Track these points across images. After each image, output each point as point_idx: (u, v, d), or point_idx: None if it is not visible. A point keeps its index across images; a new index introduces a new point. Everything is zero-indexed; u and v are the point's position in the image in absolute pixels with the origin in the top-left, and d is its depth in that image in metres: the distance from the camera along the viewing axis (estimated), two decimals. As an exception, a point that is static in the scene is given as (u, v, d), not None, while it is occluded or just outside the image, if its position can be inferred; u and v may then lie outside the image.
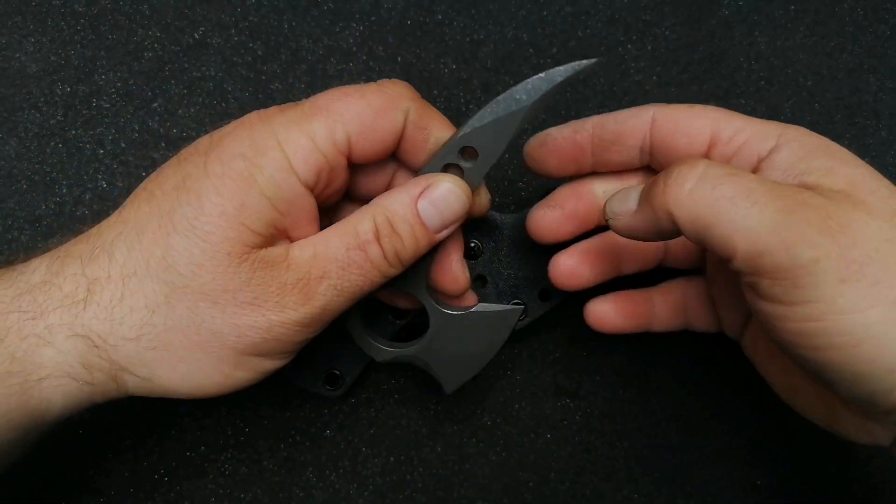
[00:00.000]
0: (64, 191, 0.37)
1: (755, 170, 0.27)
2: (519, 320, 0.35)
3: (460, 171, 0.28)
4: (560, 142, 0.30)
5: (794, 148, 0.26)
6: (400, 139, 0.28)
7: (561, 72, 0.27)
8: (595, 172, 0.31)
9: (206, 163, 0.25)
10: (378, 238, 0.26)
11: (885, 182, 0.24)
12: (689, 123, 0.28)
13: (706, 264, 0.32)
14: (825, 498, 0.36)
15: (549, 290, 0.35)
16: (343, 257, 0.26)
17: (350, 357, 0.35)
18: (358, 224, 0.27)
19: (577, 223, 0.31)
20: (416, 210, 0.27)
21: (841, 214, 0.22)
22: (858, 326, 0.21)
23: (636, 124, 0.29)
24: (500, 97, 0.28)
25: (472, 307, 0.31)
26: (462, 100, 0.39)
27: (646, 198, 0.25)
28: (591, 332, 0.37)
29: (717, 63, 0.39)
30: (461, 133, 0.28)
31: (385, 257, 0.27)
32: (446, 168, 0.28)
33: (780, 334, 0.23)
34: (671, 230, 0.24)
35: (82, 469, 0.35)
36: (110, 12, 0.39)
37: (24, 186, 0.37)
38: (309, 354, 0.34)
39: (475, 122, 0.28)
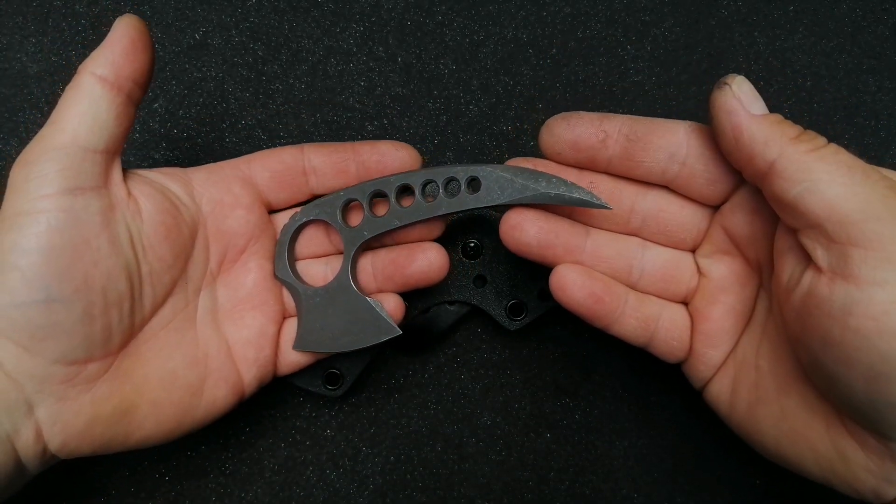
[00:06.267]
0: (64, 191, 0.37)
1: None
2: (518, 320, 0.35)
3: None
4: (586, 121, 0.29)
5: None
6: None
7: (579, 197, 0.29)
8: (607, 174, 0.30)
9: None
10: None
11: None
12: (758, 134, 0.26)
13: (698, 292, 0.30)
14: (825, 498, 0.36)
15: (548, 290, 0.35)
16: None
17: (350, 357, 0.35)
18: None
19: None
20: None
21: None
22: None
23: (671, 129, 0.28)
24: (524, 170, 0.29)
25: (368, 297, 0.31)
26: (462, 100, 0.39)
27: (773, 125, 0.25)
28: (591, 331, 0.37)
29: (717, 64, 0.39)
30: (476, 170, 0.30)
31: None
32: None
33: (856, 322, 0.22)
34: (756, 166, 0.25)
35: (82, 469, 0.35)
36: (111, 13, 0.39)
37: (25, 186, 0.37)
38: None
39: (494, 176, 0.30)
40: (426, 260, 0.32)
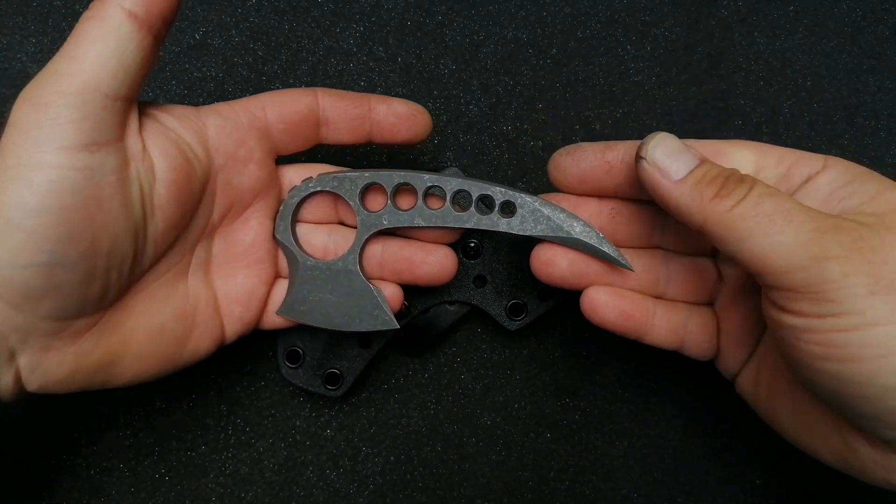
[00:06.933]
0: (64, 191, 0.37)
1: (800, 189, 0.27)
2: (518, 320, 0.35)
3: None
4: (589, 154, 0.30)
5: (840, 171, 0.26)
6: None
7: (606, 251, 0.30)
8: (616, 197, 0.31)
9: None
10: None
11: None
12: (733, 150, 0.28)
13: (719, 295, 0.31)
14: (825, 498, 0.36)
15: (549, 290, 0.35)
16: None
17: (350, 357, 0.35)
18: None
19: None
20: None
21: (874, 237, 0.23)
22: (888, 338, 0.21)
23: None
24: (550, 214, 0.30)
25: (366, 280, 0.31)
26: (462, 100, 0.39)
27: (692, 190, 0.25)
28: (591, 331, 0.38)
29: (716, 64, 0.39)
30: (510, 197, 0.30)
31: None
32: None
33: (806, 347, 0.23)
34: (697, 229, 0.25)
35: (82, 469, 0.35)
36: (111, 13, 0.39)
37: (25, 186, 0.37)
38: (309, 354, 0.35)
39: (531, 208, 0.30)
40: (439, 264, 0.32)
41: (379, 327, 0.31)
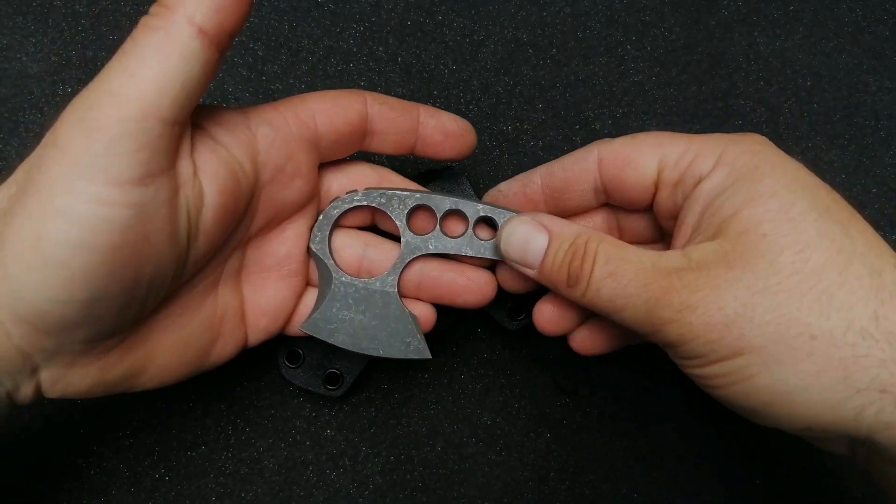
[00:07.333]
0: (64, 191, 0.37)
1: (690, 196, 0.27)
2: (518, 320, 0.35)
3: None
4: (511, 198, 0.31)
5: (723, 175, 0.26)
6: None
7: None
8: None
9: None
10: None
11: (799, 210, 0.24)
12: (636, 156, 0.28)
13: None
14: (825, 498, 0.36)
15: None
16: None
17: (350, 357, 0.35)
18: None
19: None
20: None
21: (704, 283, 0.24)
22: (736, 368, 0.24)
23: (584, 168, 0.29)
24: None
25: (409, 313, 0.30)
26: (462, 100, 0.39)
27: (549, 276, 0.27)
28: (590, 331, 0.37)
29: (716, 63, 0.39)
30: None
31: None
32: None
33: (695, 379, 0.26)
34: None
35: (82, 469, 0.35)
36: (111, 13, 0.39)
37: (25, 186, 0.37)
38: (309, 354, 0.35)
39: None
40: (480, 292, 0.31)
41: (410, 356, 0.30)
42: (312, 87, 0.39)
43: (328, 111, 0.28)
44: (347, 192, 0.30)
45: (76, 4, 0.39)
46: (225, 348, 0.29)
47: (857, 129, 0.39)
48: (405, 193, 0.30)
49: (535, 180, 0.30)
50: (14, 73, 0.38)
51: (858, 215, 0.25)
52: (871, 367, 0.22)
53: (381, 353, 0.30)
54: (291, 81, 0.39)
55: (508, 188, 0.31)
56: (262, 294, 0.30)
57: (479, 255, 0.30)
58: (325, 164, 0.30)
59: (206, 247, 0.26)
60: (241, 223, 0.28)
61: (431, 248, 0.30)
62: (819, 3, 0.40)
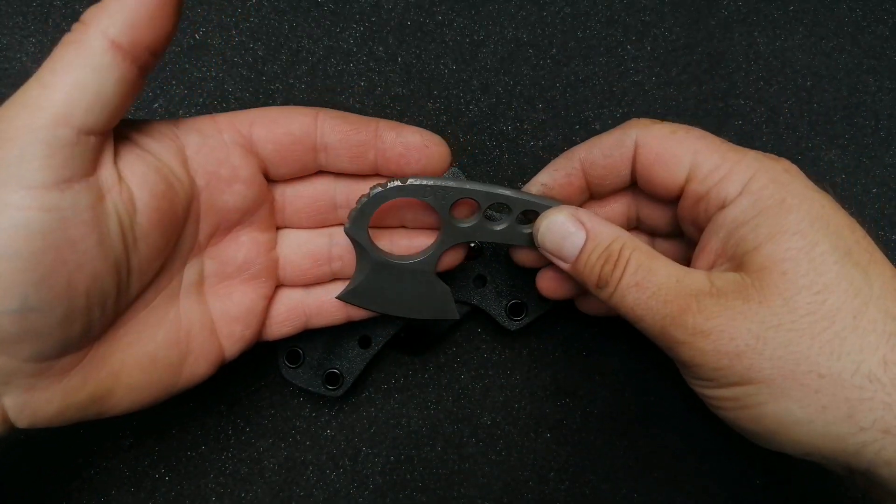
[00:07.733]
0: (64, 191, 0.37)
1: (713, 219, 0.27)
2: (518, 320, 0.35)
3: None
4: (557, 190, 0.30)
5: (749, 203, 0.26)
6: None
7: None
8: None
9: None
10: None
11: (821, 251, 0.24)
12: (669, 157, 0.28)
13: None
14: (825, 498, 0.36)
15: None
16: None
17: (350, 357, 0.35)
18: None
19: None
20: None
21: (722, 311, 0.24)
22: (744, 395, 0.25)
23: (623, 154, 0.29)
24: None
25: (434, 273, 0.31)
26: (462, 100, 0.39)
27: (583, 271, 0.28)
28: (591, 331, 0.38)
29: (717, 63, 0.39)
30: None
31: None
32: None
33: (704, 399, 0.27)
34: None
35: (82, 469, 0.35)
36: (111, 13, 0.39)
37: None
38: (309, 354, 0.35)
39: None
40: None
41: (440, 316, 0.32)
42: (312, 87, 0.39)
43: (268, 122, 0.28)
44: (390, 182, 0.29)
45: (76, 4, 0.39)
46: (198, 365, 0.29)
47: (857, 129, 0.39)
48: (449, 186, 0.29)
49: (575, 166, 0.30)
50: (14, 73, 0.38)
51: (880, 255, 0.25)
52: (875, 409, 0.23)
53: (416, 316, 0.32)
54: (291, 81, 0.39)
55: (553, 180, 0.30)
56: (229, 301, 0.30)
57: (521, 244, 0.31)
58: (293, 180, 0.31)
59: (149, 251, 0.26)
60: (186, 230, 0.28)
61: (474, 238, 0.30)
62: (819, 3, 0.40)
